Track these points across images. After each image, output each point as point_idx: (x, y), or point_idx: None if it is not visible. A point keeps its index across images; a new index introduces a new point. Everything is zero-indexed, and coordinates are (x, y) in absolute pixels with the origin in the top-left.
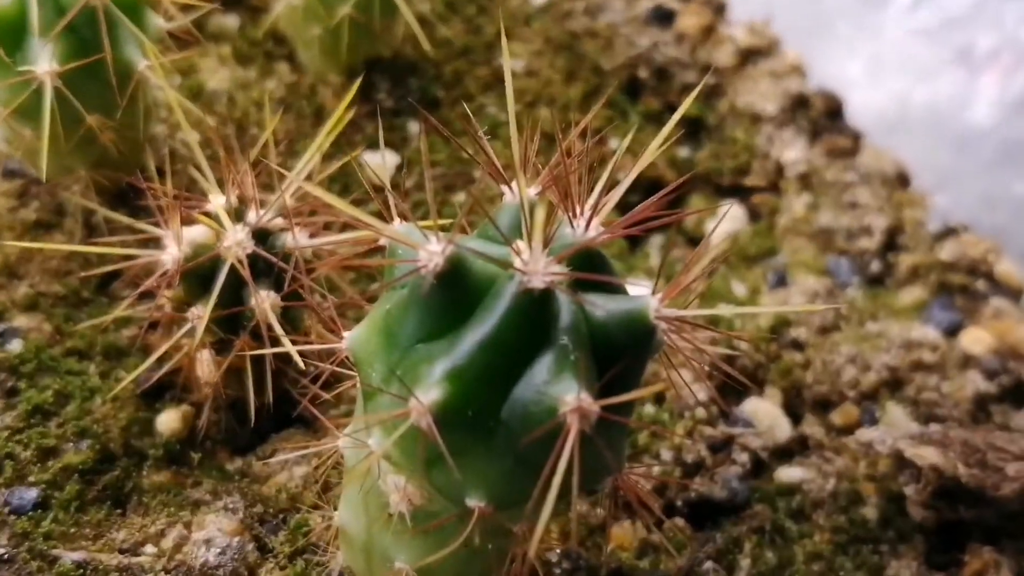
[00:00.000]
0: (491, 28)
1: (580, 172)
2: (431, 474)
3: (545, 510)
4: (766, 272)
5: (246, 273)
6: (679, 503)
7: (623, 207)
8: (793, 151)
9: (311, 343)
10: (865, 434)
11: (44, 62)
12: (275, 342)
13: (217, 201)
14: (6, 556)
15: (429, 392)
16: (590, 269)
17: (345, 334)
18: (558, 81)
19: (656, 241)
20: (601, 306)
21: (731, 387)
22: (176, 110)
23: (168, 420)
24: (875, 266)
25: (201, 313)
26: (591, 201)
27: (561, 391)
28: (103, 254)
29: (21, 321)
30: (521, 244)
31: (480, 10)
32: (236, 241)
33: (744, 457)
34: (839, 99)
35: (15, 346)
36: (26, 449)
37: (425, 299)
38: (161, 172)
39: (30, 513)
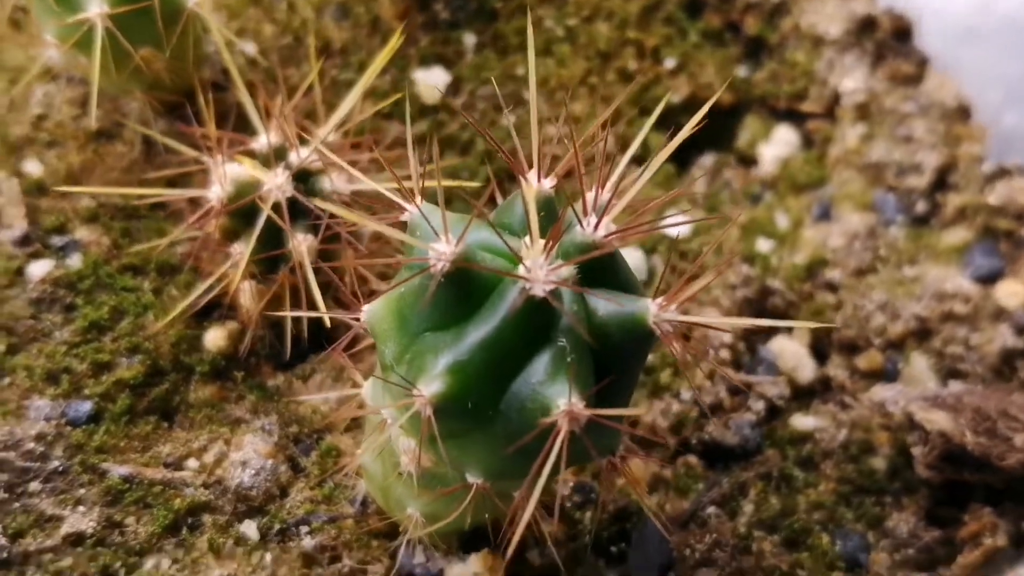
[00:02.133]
0: None
1: (605, 150)
2: (436, 448)
3: (537, 488)
4: (812, 203)
5: (285, 217)
6: (694, 441)
7: (677, 131)
8: (852, 80)
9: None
10: (879, 392)
11: (95, 5)
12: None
13: (260, 140)
14: (61, 468)
15: (432, 384)
16: (599, 266)
17: (364, 307)
18: None
19: (706, 162)
20: (603, 306)
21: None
22: (223, 52)
23: (215, 338)
24: (921, 205)
25: (242, 250)
26: (605, 194)
27: (554, 394)
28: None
29: (82, 234)
30: (532, 231)
31: None
32: (276, 186)
33: (759, 405)
34: (909, 20)
35: (75, 261)
36: (82, 363)
37: (433, 294)
38: (220, 87)
39: (84, 426)
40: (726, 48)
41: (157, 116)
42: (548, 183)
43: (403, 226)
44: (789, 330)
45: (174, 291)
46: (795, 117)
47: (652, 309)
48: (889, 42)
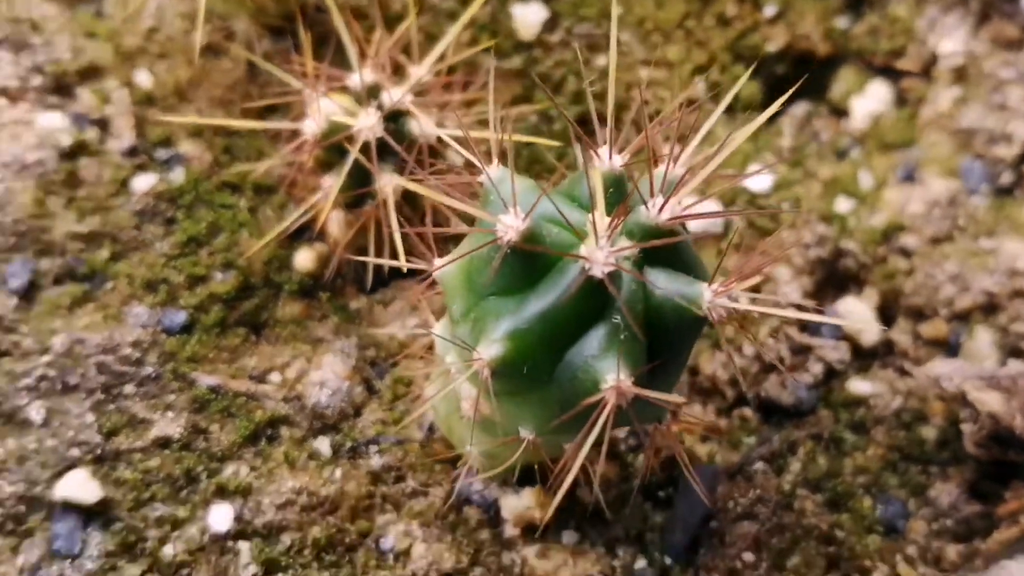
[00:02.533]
0: None
1: (679, 128)
2: (493, 401)
3: (584, 449)
4: (898, 164)
5: (373, 157)
6: (751, 395)
7: (769, 81)
8: (952, 41)
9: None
10: (936, 367)
11: None
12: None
13: (354, 79)
14: (153, 374)
15: (491, 347)
16: (661, 247)
17: (436, 262)
18: None
19: (798, 111)
20: (660, 288)
21: (831, 283)
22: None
23: (304, 259)
24: (1007, 176)
25: (332, 184)
26: (678, 169)
27: (604, 369)
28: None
29: (186, 148)
30: (596, 216)
31: None
32: (366, 127)
33: (818, 368)
34: None
35: (177, 175)
36: (179, 275)
37: (499, 265)
38: (322, 9)
39: (178, 335)
40: None
41: (262, 37)
42: (617, 161)
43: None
44: (859, 290)
45: (268, 211)
46: (891, 74)
47: (706, 296)
48: (995, 2)
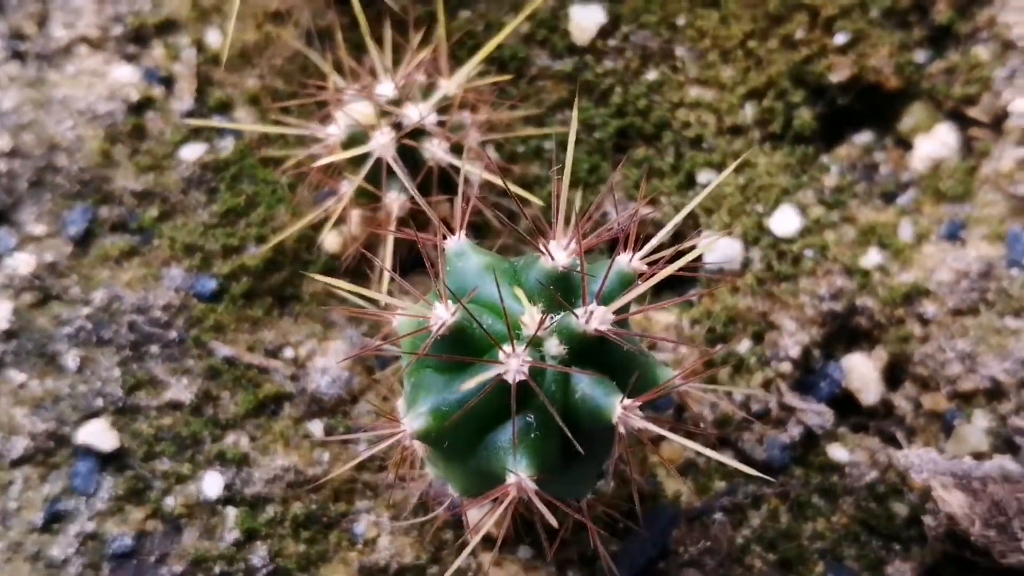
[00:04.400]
0: None
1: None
2: (428, 457)
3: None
4: (945, 218)
5: (382, 174)
6: (733, 439)
7: (826, 111)
8: None
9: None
10: (909, 455)
11: None
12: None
13: (382, 88)
14: (177, 339)
15: (415, 420)
16: (594, 347)
17: (395, 315)
18: None
19: (860, 139)
20: (581, 389)
21: (840, 338)
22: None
23: (331, 241)
24: None
25: (347, 190)
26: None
27: (510, 463)
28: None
29: (240, 115)
30: (526, 319)
31: None
32: (380, 144)
33: (797, 431)
34: None
35: (227, 146)
36: (215, 243)
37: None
38: None
39: (207, 303)
40: (907, 31)
41: (328, 8)
42: (564, 260)
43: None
44: (868, 349)
45: (306, 192)
46: (960, 119)
47: (616, 410)
48: None
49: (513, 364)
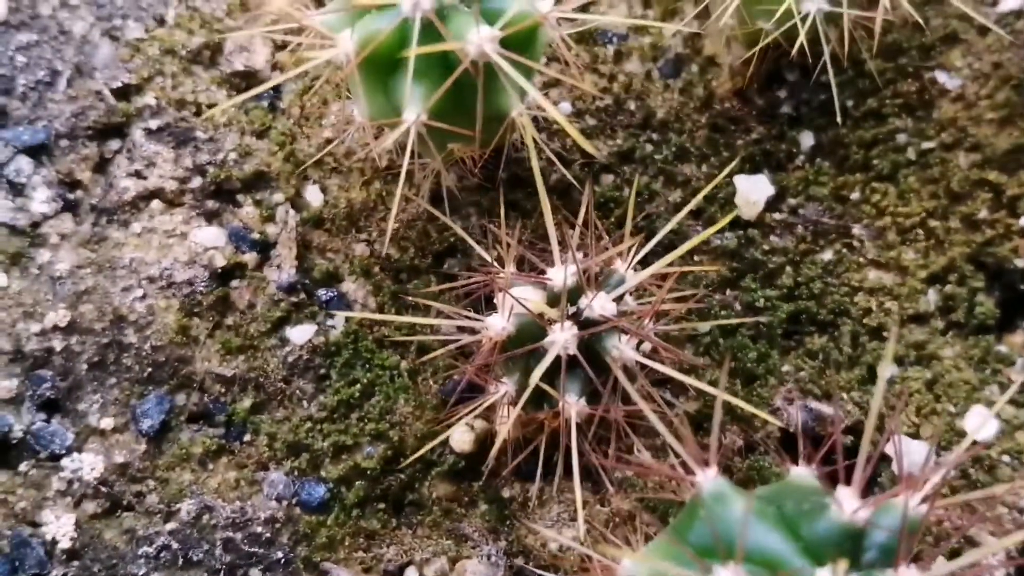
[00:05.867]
0: (937, 23)
1: None
2: None
3: None
4: None
5: (562, 372)
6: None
7: (1006, 297)
8: None
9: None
10: None
11: (413, 109)
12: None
13: (555, 275)
14: (283, 559)
15: None
16: None
17: (625, 561)
18: (989, 122)
19: None
20: None
21: None
22: (532, 159)
23: (460, 440)
24: None
25: (508, 390)
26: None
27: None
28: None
29: (349, 287)
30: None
31: None
32: (559, 341)
33: None
34: None
35: (337, 324)
36: (324, 440)
37: None
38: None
39: (315, 514)
40: None
41: (449, 169)
42: (863, 513)
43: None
44: None
45: (431, 382)
46: None
47: None
48: None
49: None
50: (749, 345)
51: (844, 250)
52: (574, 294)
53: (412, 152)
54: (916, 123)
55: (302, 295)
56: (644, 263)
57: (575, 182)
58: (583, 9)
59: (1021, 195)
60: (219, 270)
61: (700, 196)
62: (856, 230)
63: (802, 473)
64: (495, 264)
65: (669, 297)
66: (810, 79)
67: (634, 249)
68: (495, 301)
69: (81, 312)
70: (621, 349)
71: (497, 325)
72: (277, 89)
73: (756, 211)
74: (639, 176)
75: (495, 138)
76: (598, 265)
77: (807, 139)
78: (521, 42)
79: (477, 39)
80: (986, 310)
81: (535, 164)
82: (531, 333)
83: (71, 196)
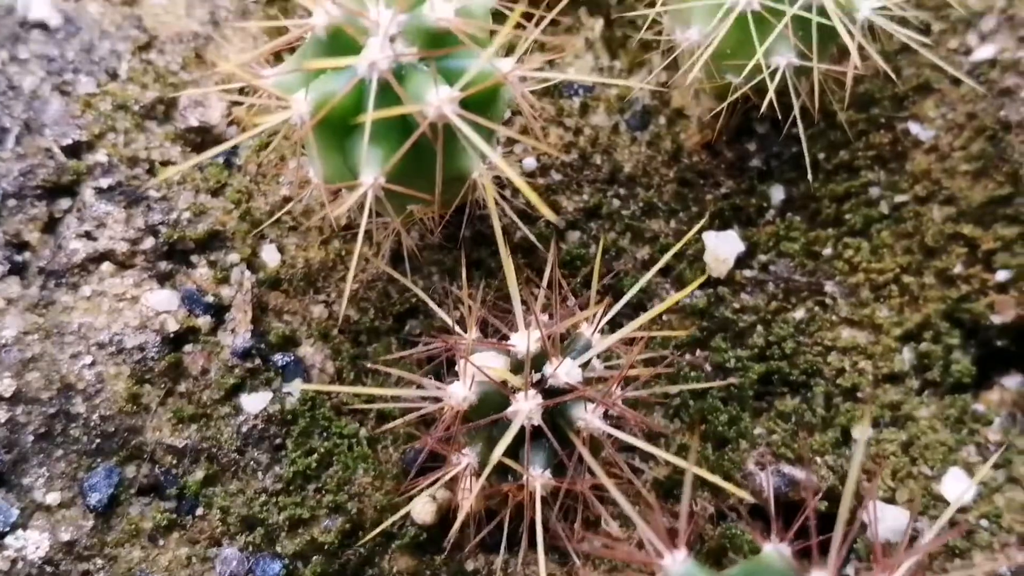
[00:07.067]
0: (909, 73)
1: None
2: None
3: None
4: None
5: (526, 444)
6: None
7: (981, 354)
8: None
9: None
10: None
11: (370, 172)
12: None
13: (518, 342)
14: None
15: None
16: None
17: None
18: (963, 174)
19: (1010, 383)
20: None
21: None
22: (493, 217)
23: (423, 511)
24: None
25: (470, 461)
26: None
27: None
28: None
29: (307, 351)
30: None
31: (902, 47)
32: (523, 411)
33: None
34: None
35: (293, 391)
36: (280, 513)
37: None
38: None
39: None
40: None
41: (410, 228)
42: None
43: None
44: None
45: (391, 450)
46: None
47: None
48: None
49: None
50: (720, 407)
51: (817, 308)
52: (539, 360)
53: (371, 211)
54: (889, 176)
55: (257, 360)
56: (612, 322)
57: (537, 242)
58: (548, 64)
59: (996, 249)
60: (171, 335)
61: (669, 255)
62: (829, 287)
63: (773, 553)
64: (456, 326)
65: (637, 359)
66: (780, 131)
67: (600, 311)
68: (457, 368)
69: (27, 381)
70: (587, 420)
71: (459, 394)
72: (233, 145)
73: (726, 268)
74: (605, 233)
75: (456, 199)
76: (563, 328)
77: (778, 193)
78: (482, 102)
79: (436, 101)
80: (962, 368)
81: (497, 227)
82: (494, 402)
83: (18, 258)
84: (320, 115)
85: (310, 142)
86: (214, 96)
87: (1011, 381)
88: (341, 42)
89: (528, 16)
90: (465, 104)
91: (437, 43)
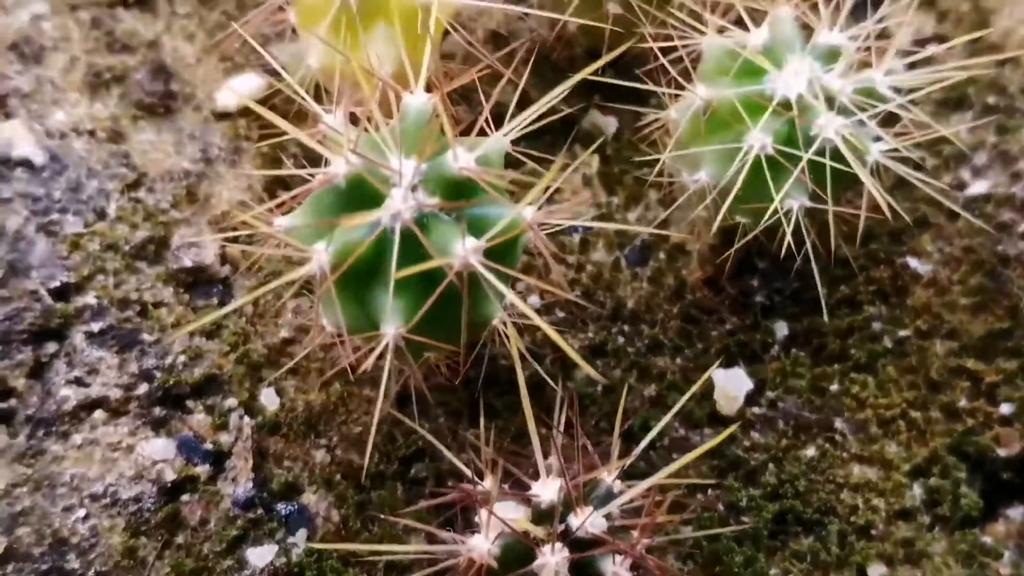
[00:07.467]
0: (906, 207)
1: None
2: None
3: None
4: None
5: None
6: None
7: (987, 486)
8: None
9: None
10: None
11: (392, 324)
12: None
13: (545, 493)
14: None
15: None
16: None
17: None
18: (964, 308)
19: (1015, 514)
20: None
21: None
22: (517, 368)
23: None
24: None
25: None
26: None
27: None
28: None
29: (310, 499)
30: None
31: (899, 181)
32: (552, 566)
33: None
34: None
35: (298, 541)
36: None
37: None
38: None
39: None
40: None
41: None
42: None
43: None
44: None
45: None
46: None
47: None
48: None
49: None
50: (735, 548)
51: (827, 445)
52: (562, 513)
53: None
54: (890, 310)
55: (260, 510)
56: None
57: (550, 380)
58: (549, 201)
59: (999, 382)
60: (168, 484)
61: (685, 398)
62: (838, 423)
63: None
64: (468, 470)
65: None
66: (782, 267)
67: (627, 460)
68: (476, 519)
69: (17, 536)
70: (619, 573)
71: (482, 547)
72: (227, 285)
73: (736, 406)
74: (611, 370)
75: (477, 344)
76: (587, 477)
77: (782, 328)
78: (503, 250)
79: (463, 252)
80: (970, 502)
81: (520, 374)
82: (517, 555)
83: (4, 406)
84: (344, 267)
85: (327, 291)
86: (208, 235)
87: (1015, 512)
88: (362, 191)
89: (539, 160)
90: (487, 252)
91: (458, 191)
